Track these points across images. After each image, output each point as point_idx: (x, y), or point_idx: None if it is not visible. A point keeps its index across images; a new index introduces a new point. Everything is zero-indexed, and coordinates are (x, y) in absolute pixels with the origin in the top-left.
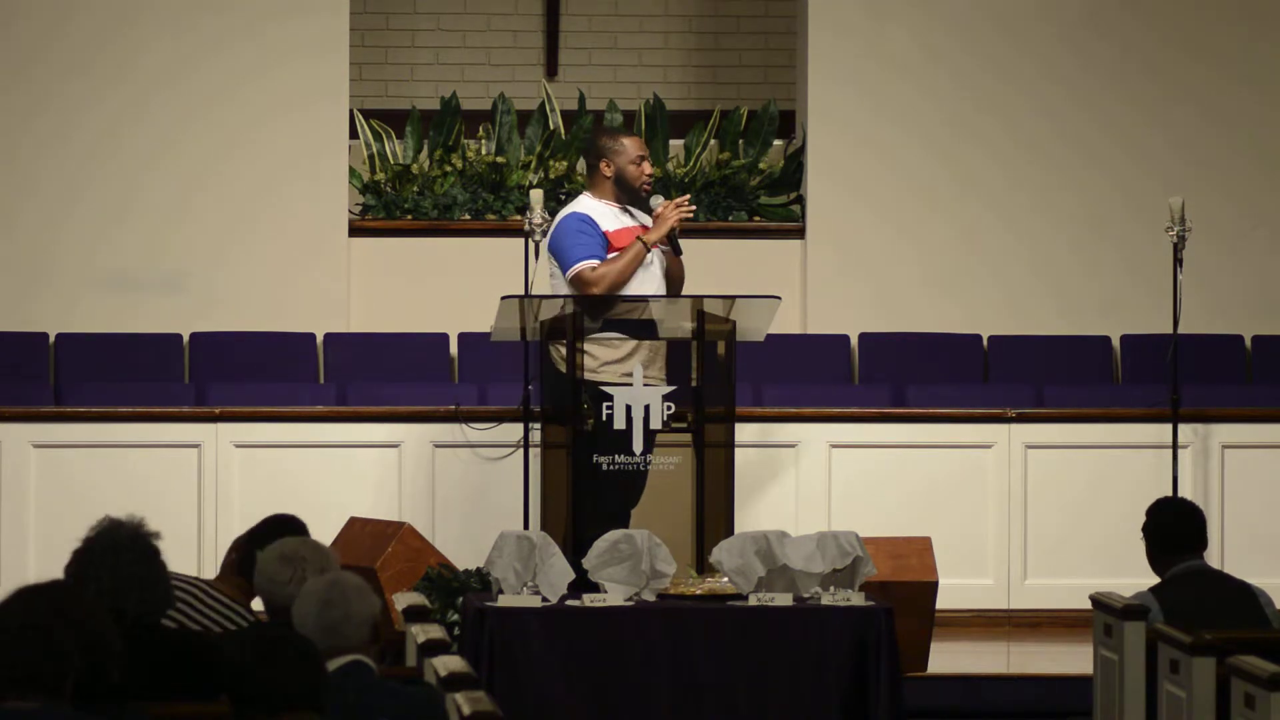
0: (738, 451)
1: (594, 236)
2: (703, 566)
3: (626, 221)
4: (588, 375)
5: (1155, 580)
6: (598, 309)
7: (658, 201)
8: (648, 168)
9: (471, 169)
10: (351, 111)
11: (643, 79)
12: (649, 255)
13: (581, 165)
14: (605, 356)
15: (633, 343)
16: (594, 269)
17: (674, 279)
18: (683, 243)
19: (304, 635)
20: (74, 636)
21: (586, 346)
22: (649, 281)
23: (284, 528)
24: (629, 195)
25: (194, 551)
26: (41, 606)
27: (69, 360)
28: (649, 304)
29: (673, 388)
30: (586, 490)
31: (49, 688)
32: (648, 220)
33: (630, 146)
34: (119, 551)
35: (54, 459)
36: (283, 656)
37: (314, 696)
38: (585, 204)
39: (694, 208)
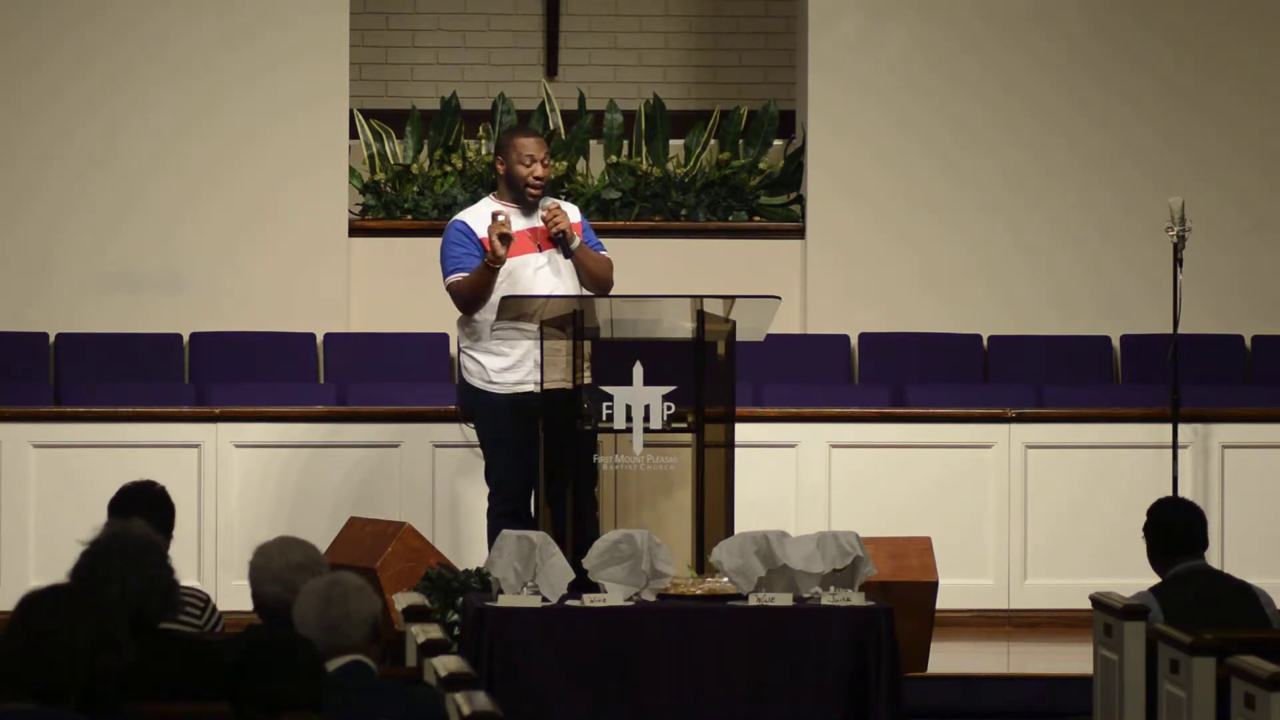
0: (738, 451)
1: (466, 246)
2: (703, 566)
3: (523, 224)
4: (484, 386)
5: (1155, 580)
6: (504, 313)
7: (545, 204)
8: (538, 169)
9: (471, 169)
10: (351, 111)
11: (643, 79)
12: (542, 259)
13: (581, 165)
14: (495, 365)
15: (523, 348)
16: (455, 283)
17: (596, 277)
18: (683, 243)
19: (304, 635)
20: (85, 640)
21: (478, 355)
22: (553, 284)
23: (144, 494)
24: (516, 195)
25: (194, 551)
26: (55, 609)
27: (69, 360)
28: (549, 306)
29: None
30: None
31: (53, 689)
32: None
33: (522, 145)
34: (140, 555)
35: (54, 459)
36: (282, 657)
37: (314, 697)
38: (476, 208)
39: (559, 219)
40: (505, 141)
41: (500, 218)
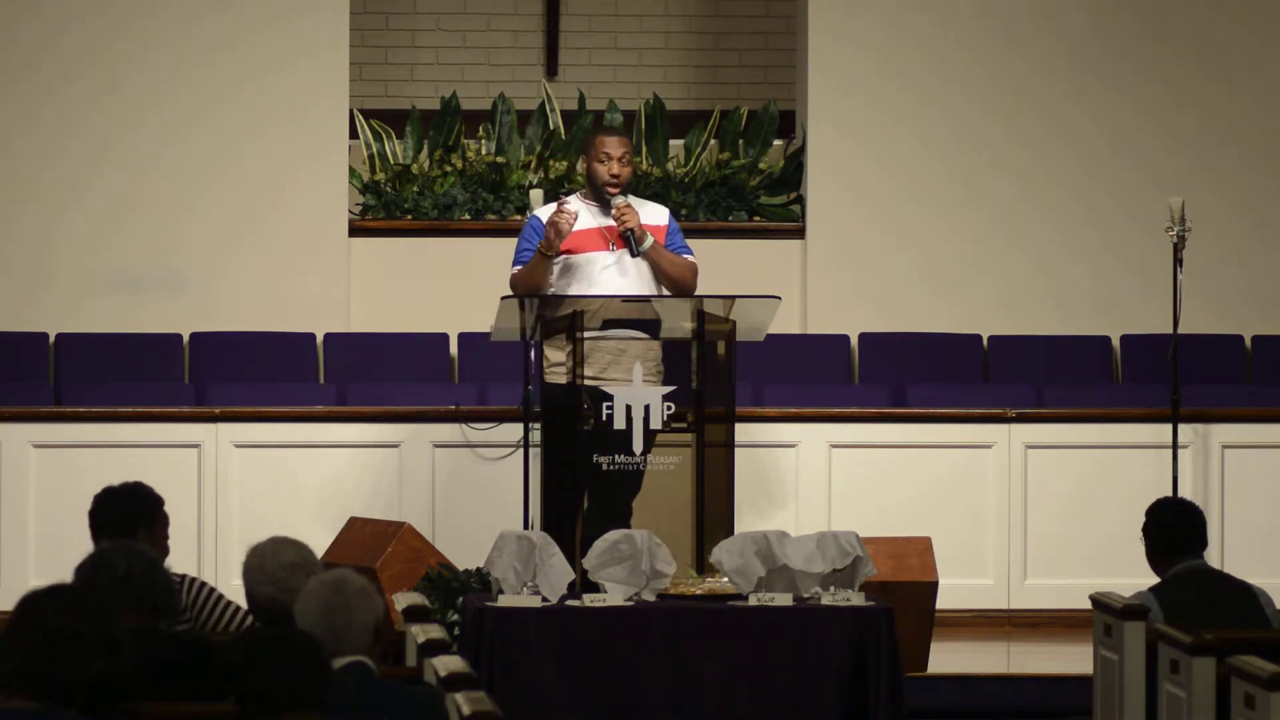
0: (738, 451)
1: (533, 241)
2: (703, 566)
3: (599, 221)
4: (545, 377)
5: (1155, 580)
6: (547, 309)
7: (617, 202)
8: (615, 167)
9: (471, 169)
10: (351, 111)
11: (643, 79)
12: (611, 257)
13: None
14: (554, 358)
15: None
16: (513, 274)
17: (671, 279)
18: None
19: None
20: (85, 639)
21: (545, 348)
22: (619, 285)
23: (132, 496)
24: (595, 192)
25: (194, 551)
26: (55, 609)
27: (69, 360)
28: (608, 304)
29: (672, 387)
30: (587, 490)
31: (53, 689)
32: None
33: (600, 143)
34: (141, 560)
35: (54, 459)
36: (288, 656)
37: (317, 697)
38: (557, 206)
39: (627, 217)
40: (588, 141)
41: (568, 206)
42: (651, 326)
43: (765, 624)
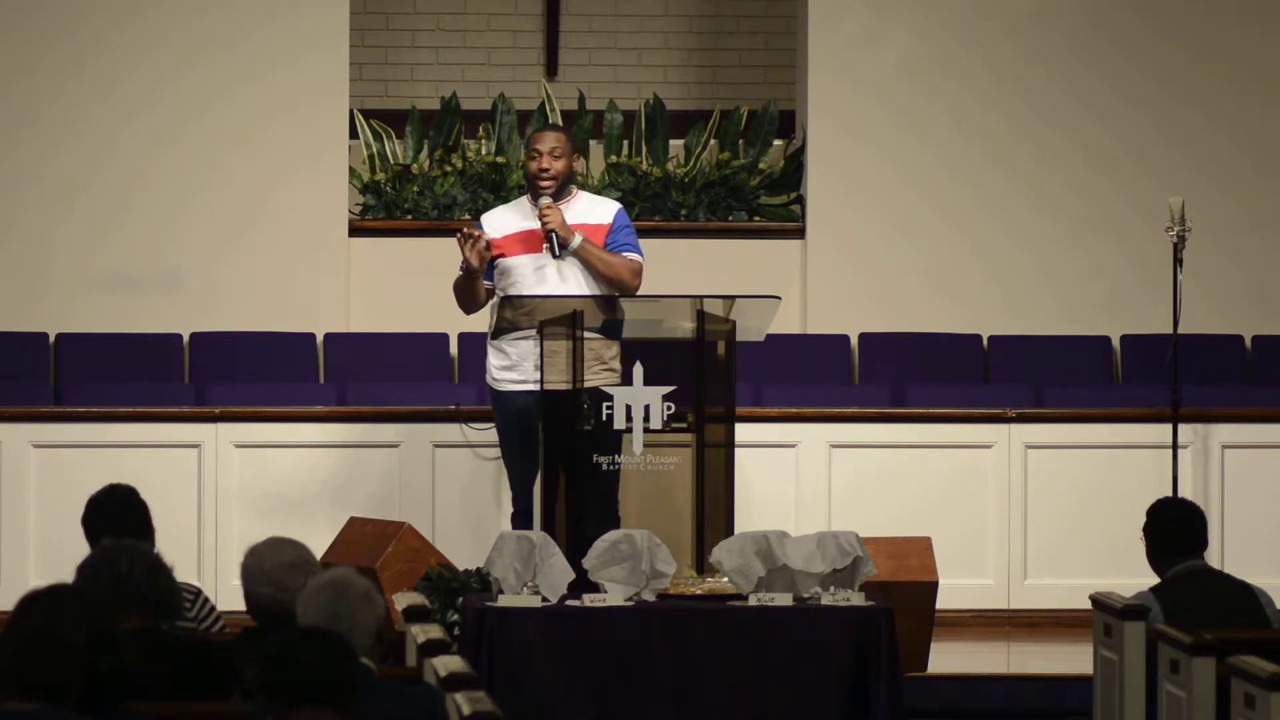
0: (738, 451)
1: None
2: (703, 566)
3: (530, 225)
4: (491, 384)
5: (1155, 580)
6: (505, 311)
7: (542, 203)
8: (544, 161)
9: (471, 169)
10: (351, 111)
11: (643, 79)
12: (543, 259)
13: (580, 166)
14: (497, 363)
15: (521, 348)
16: (454, 280)
17: (605, 279)
18: (683, 243)
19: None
20: (84, 639)
21: (489, 353)
22: (552, 285)
23: (118, 498)
24: (532, 190)
25: (194, 551)
26: (54, 609)
27: (69, 360)
28: (545, 306)
29: (672, 387)
30: (587, 490)
31: (52, 689)
32: (579, 218)
33: (533, 140)
34: (141, 560)
35: (54, 459)
36: (328, 651)
37: (347, 695)
38: (500, 208)
39: (548, 218)
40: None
41: (474, 232)
42: (611, 327)
43: (765, 624)
